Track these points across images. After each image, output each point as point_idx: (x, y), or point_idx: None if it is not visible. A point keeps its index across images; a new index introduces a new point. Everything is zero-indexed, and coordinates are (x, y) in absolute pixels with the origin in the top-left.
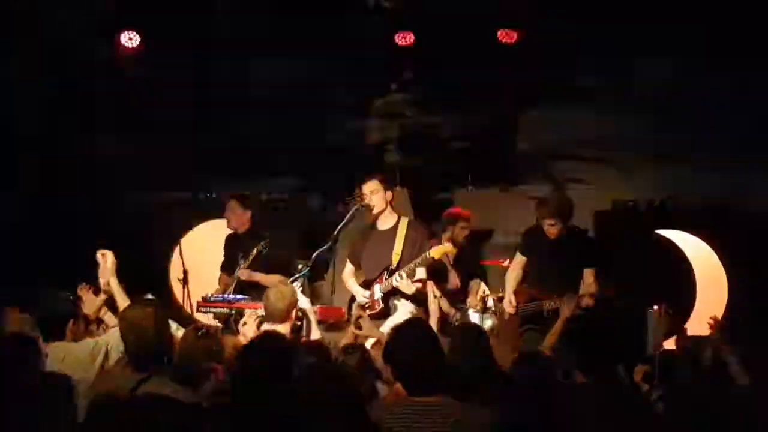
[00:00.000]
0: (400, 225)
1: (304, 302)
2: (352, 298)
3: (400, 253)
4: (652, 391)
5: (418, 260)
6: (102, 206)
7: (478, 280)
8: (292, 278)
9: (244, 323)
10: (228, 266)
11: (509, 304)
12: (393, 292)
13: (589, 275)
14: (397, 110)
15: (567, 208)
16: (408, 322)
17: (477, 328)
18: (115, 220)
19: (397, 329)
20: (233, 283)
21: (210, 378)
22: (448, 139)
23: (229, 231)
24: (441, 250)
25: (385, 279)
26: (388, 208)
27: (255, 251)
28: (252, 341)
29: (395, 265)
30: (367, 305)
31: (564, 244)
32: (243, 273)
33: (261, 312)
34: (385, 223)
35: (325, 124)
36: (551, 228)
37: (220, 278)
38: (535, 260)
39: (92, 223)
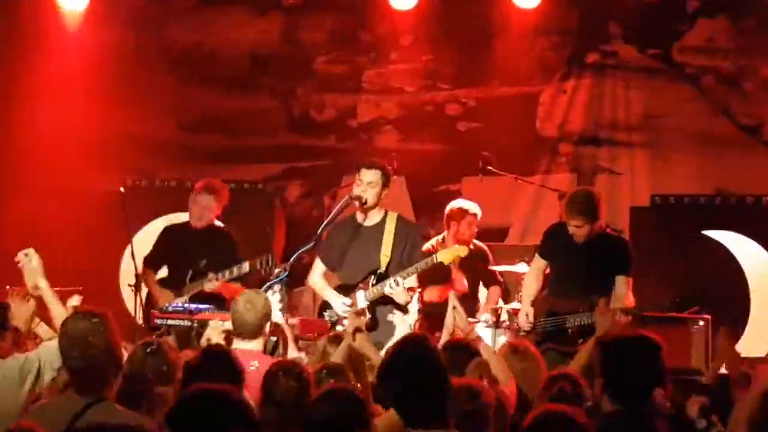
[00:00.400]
0: (387, 221)
1: (279, 314)
2: (324, 307)
3: (389, 254)
4: (710, 430)
5: (421, 264)
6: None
7: (497, 288)
8: (266, 285)
9: (208, 339)
10: (158, 264)
11: (525, 319)
12: (382, 302)
13: (622, 285)
14: (396, 84)
15: (595, 205)
16: (408, 340)
17: (467, 349)
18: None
19: (394, 348)
20: (187, 294)
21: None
22: (454, 118)
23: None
24: (452, 253)
25: (372, 285)
26: (378, 204)
27: (249, 265)
28: (199, 358)
29: (384, 269)
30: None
31: (593, 247)
32: (211, 284)
33: (229, 324)
34: (370, 218)
35: (309, 99)
36: (578, 230)
37: (144, 279)
38: (558, 266)
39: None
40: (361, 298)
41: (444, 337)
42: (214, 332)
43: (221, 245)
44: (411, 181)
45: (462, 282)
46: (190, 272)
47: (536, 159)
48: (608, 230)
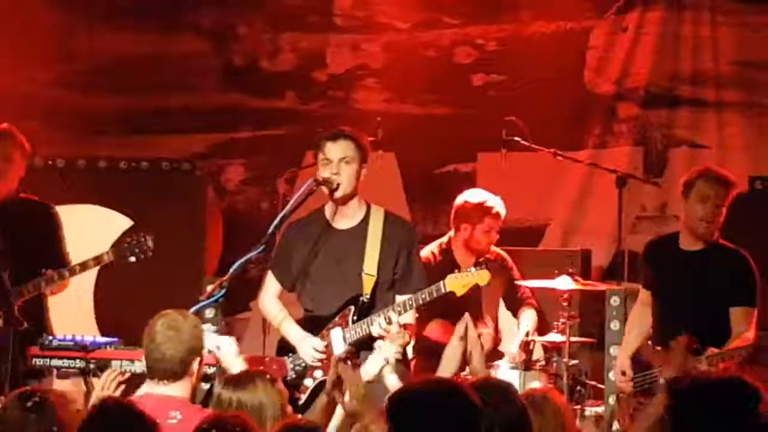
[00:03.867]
0: (371, 220)
1: (216, 346)
2: (283, 346)
3: (374, 272)
4: None
5: (423, 294)
6: None
7: (531, 312)
8: (195, 307)
9: (102, 388)
10: None
11: (622, 377)
12: (367, 342)
13: (741, 319)
14: (379, 19)
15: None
16: (432, 384)
17: (504, 387)
18: None
19: (410, 393)
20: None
21: None
22: (467, 68)
23: None
24: (467, 281)
25: (352, 320)
26: (357, 192)
27: (113, 252)
28: (92, 417)
29: (368, 295)
30: (319, 365)
31: (705, 261)
32: (54, 283)
33: (137, 366)
34: (345, 215)
35: (256, 41)
36: (710, 214)
37: None
38: (662, 295)
39: None
40: (339, 340)
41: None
42: (110, 381)
43: (39, 221)
44: (404, 160)
45: (495, 310)
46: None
47: (584, 126)
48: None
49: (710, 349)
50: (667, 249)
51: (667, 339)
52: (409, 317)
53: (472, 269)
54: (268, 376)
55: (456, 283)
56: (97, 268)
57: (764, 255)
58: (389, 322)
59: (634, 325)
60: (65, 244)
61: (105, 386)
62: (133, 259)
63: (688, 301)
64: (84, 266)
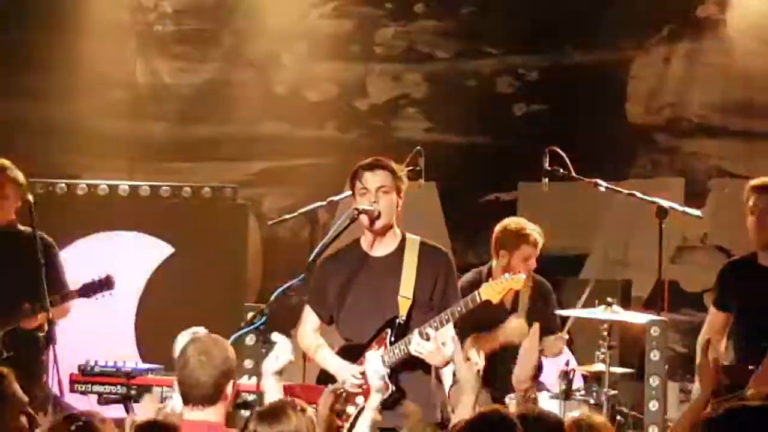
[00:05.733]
0: (407, 248)
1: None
2: (323, 378)
3: (410, 295)
4: None
5: (459, 306)
6: None
7: (562, 336)
8: (236, 335)
9: (133, 422)
10: None
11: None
12: (408, 364)
13: None
14: (421, 48)
15: None
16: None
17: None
18: None
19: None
20: None
21: None
22: (508, 97)
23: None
24: (502, 286)
25: (390, 342)
26: (395, 221)
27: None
28: None
29: (404, 317)
30: (360, 391)
31: None
32: (29, 319)
33: (173, 391)
34: (381, 244)
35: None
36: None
37: None
38: (746, 316)
39: None
40: (376, 363)
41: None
42: (148, 409)
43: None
44: (445, 189)
45: (523, 334)
46: None
47: (626, 156)
48: None
49: None
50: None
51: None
52: (448, 333)
53: (506, 275)
54: (298, 406)
55: (490, 290)
56: (138, 295)
57: None
58: (427, 339)
59: (707, 344)
60: (62, 274)
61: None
62: (96, 297)
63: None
64: (53, 302)
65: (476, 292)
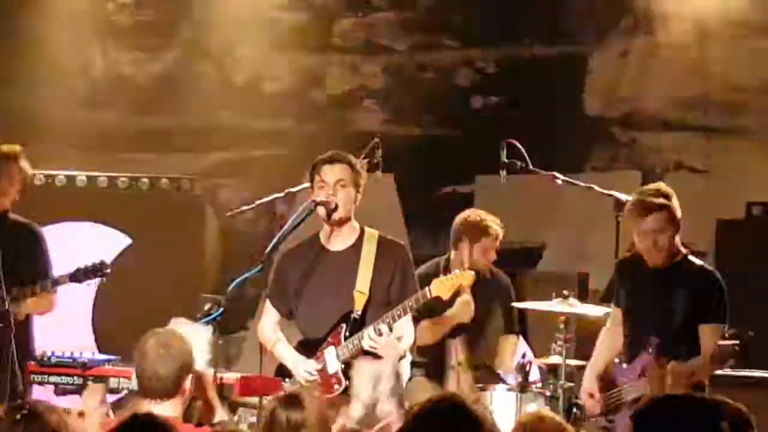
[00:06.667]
0: (365, 242)
1: (205, 365)
2: (281, 372)
3: (366, 290)
4: None
5: (410, 302)
6: None
7: (513, 337)
8: (192, 326)
9: (80, 413)
10: None
11: (589, 397)
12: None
13: (709, 336)
14: (379, 40)
15: (672, 202)
16: (436, 401)
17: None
18: None
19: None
20: None
21: None
22: (466, 90)
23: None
24: (452, 282)
25: (344, 337)
26: (352, 215)
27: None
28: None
29: (359, 311)
30: (315, 383)
31: (672, 280)
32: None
33: (134, 384)
34: (338, 238)
35: (254, 61)
36: (656, 241)
37: None
38: (627, 313)
39: None
40: (332, 359)
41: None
42: (91, 398)
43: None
44: (403, 181)
45: (469, 311)
46: None
47: (584, 149)
48: (690, 255)
49: (672, 363)
50: (632, 266)
51: (631, 353)
52: (404, 327)
53: (456, 271)
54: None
55: (441, 287)
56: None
57: (761, 287)
58: (379, 334)
59: (606, 341)
60: (49, 263)
61: (87, 401)
62: (87, 282)
63: (649, 315)
64: (43, 287)
65: (427, 288)
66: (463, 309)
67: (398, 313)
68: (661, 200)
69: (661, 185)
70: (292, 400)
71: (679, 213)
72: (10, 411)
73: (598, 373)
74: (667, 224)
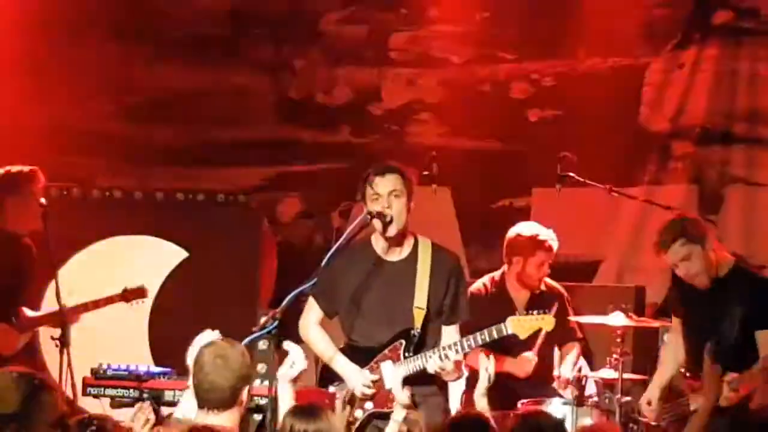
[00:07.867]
0: (420, 252)
1: (292, 362)
2: (326, 374)
3: (424, 305)
4: None
5: (484, 335)
6: None
7: (574, 346)
8: (248, 339)
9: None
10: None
11: (648, 407)
12: (421, 377)
13: (766, 341)
14: (435, 53)
15: (697, 227)
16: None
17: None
18: None
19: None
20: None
21: None
22: (522, 103)
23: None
24: (531, 326)
25: (404, 353)
26: (407, 226)
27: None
28: None
29: (418, 329)
30: (369, 397)
31: (724, 292)
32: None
33: (186, 396)
34: (397, 249)
35: (312, 75)
36: (689, 268)
37: None
38: (686, 326)
39: None
40: (389, 373)
41: None
42: (140, 417)
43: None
44: (458, 194)
45: (527, 370)
46: None
47: (640, 163)
48: (740, 262)
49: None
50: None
51: (692, 365)
52: (460, 355)
53: (537, 314)
54: (329, 409)
55: (519, 326)
56: (152, 299)
57: None
58: (447, 359)
59: (669, 355)
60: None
61: (136, 419)
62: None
63: (706, 328)
64: (96, 304)
65: (503, 325)
66: (524, 365)
67: (468, 343)
68: (670, 234)
69: (670, 217)
70: (309, 412)
71: (699, 229)
72: (78, 424)
73: (662, 383)
74: (688, 251)
